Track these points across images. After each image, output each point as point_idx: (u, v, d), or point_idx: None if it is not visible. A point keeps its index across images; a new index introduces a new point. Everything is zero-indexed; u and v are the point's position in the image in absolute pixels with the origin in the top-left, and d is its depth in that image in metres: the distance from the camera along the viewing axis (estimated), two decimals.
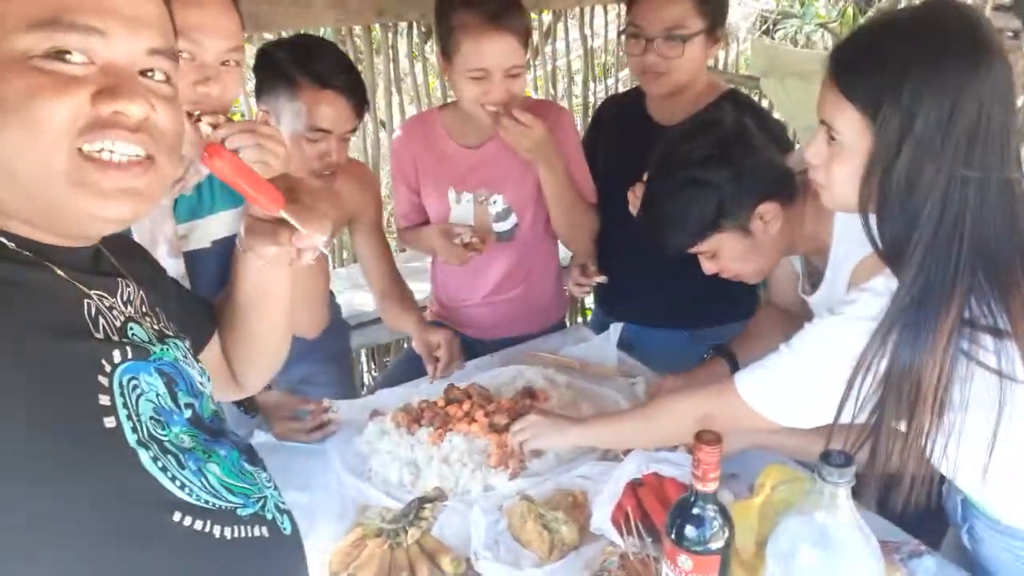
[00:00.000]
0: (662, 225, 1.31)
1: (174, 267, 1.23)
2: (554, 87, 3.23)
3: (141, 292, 0.77)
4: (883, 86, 0.91)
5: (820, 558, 0.78)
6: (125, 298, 0.73)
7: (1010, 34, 2.69)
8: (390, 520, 1.20)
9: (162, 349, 0.72)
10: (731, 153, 1.25)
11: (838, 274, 1.24)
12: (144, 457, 0.63)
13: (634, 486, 1.22)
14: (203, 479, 0.68)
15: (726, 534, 0.94)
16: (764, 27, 5.41)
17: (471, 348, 1.81)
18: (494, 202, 1.74)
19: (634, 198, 1.46)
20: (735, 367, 1.48)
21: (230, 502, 0.69)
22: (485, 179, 1.72)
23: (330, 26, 2.56)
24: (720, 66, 3.09)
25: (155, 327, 0.75)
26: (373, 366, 2.99)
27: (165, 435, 0.67)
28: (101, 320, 0.67)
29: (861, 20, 5.36)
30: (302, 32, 1.57)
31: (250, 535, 0.70)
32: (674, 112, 1.68)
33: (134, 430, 0.64)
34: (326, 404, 1.53)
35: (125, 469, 0.63)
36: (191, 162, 1.21)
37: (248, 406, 1.52)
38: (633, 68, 1.73)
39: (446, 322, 1.94)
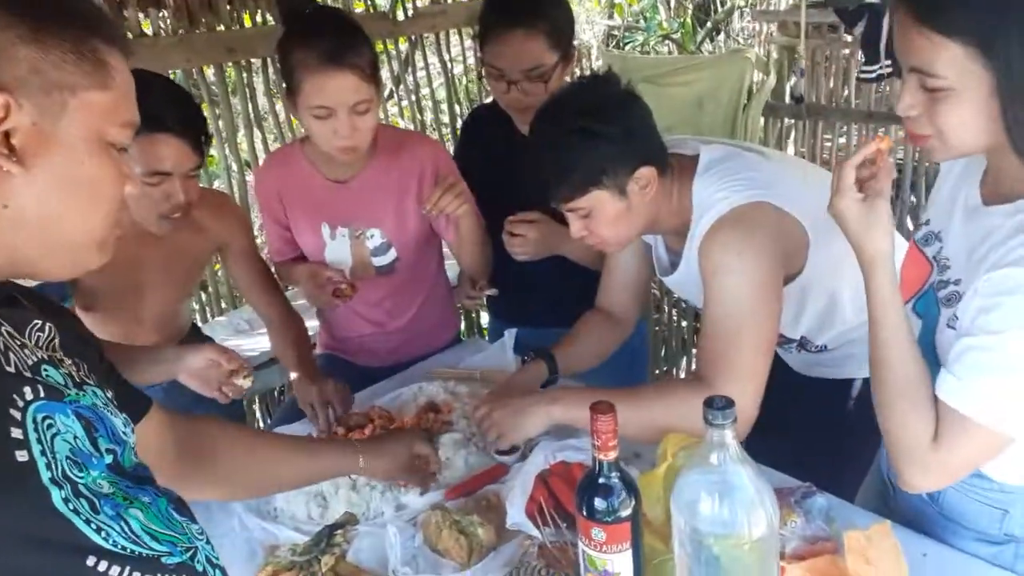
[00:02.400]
0: (546, 174, 1.27)
1: None
2: (421, 115, 3.27)
3: (57, 336, 0.74)
4: (990, 12, 0.85)
5: (719, 496, 0.83)
6: (35, 340, 0.71)
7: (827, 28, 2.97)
8: (301, 552, 1.16)
9: (78, 393, 0.69)
10: (622, 109, 1.25)
11: (693, 250, 1.31)
12: (56, 497, 0.60)
13: (544, 477, 1.24)
14: (122, 524, 0.64)
15: (633, 501, 0.97)
16: (614, 43, 5.72)
17: (368, 376, 1.78)
18: (371, 236, 1.70)
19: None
20: (554, 368, 1.53)
21: (154, 550, 0.66)
22: (359, 213, 1.67)
23: (180, 68, 2.48)
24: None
25: (73, 373, 0.72)
26: (268, 411, 2.88)
27: (82, 478, 0.63)
28: (12, 356, 0.65)
29: (700, 29, 5.78)
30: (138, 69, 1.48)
31: None
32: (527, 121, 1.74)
33: (48, 467, 0.61)
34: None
35: (37, 507, 0.60)
36: None
37: None
38: (499, 100, 1.77)
39: (337, 353, 1.91)
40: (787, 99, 2.65)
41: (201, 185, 1.61)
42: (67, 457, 0.63)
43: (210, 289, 2.75)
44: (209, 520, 1.34)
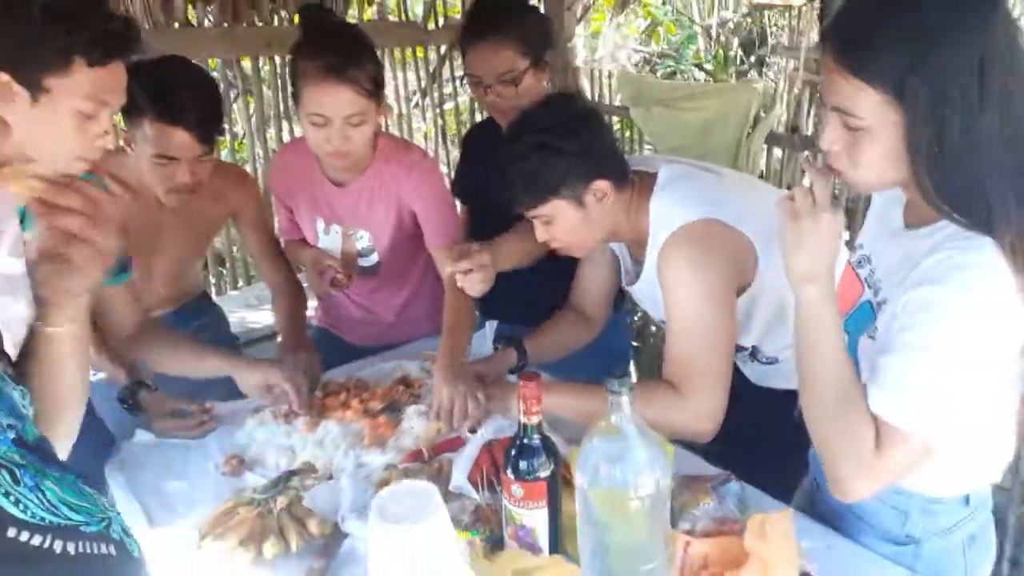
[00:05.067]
0: (511, 184, 1.39)
1: (14, 267, 1.23)
2: (444, 124, 3.41)
3: None
4: (903, 62, 0.88)
5: (613, 458, 0.93)
6: None
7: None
8: (259, 491, 1.27)
9: None
10: (580, 127, 1.36)
11: (652, 263, 1.41)
12: None
13: (490, 447, 1.34)
14: (40, 495, 0.65)
15: (552, 464, 1.07)
16: (648, 68, 5.84)
17: (356, 353, 1.91)
18: (360, 237, 1.82)
19: None
20: (523, 356, 1.65)
21: (71, 519, 0.66)
22: (351, 215, 1.80)
23: (218, 57, 2.67)
24: (596, 98, 3.36)
25: None
26: None
27: None
28: None
29: (737, 59, 5.86)
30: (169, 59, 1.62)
31: (96, 551, 0.68)
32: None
33: None
34: (208, 405, 1.60)
35: None
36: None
37: (132, 404, 1.58)
38: (481, 104, 1.94)
39: (331, 328, 2.04)
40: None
41: (222, 160, 1.75)
42: None
43: (227, 264, 2.92)
44: (188, 461, 1.48)
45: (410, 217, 1.80)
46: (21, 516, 0.62)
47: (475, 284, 1.52)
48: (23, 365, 0.88)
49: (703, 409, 1.34)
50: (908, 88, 0.88)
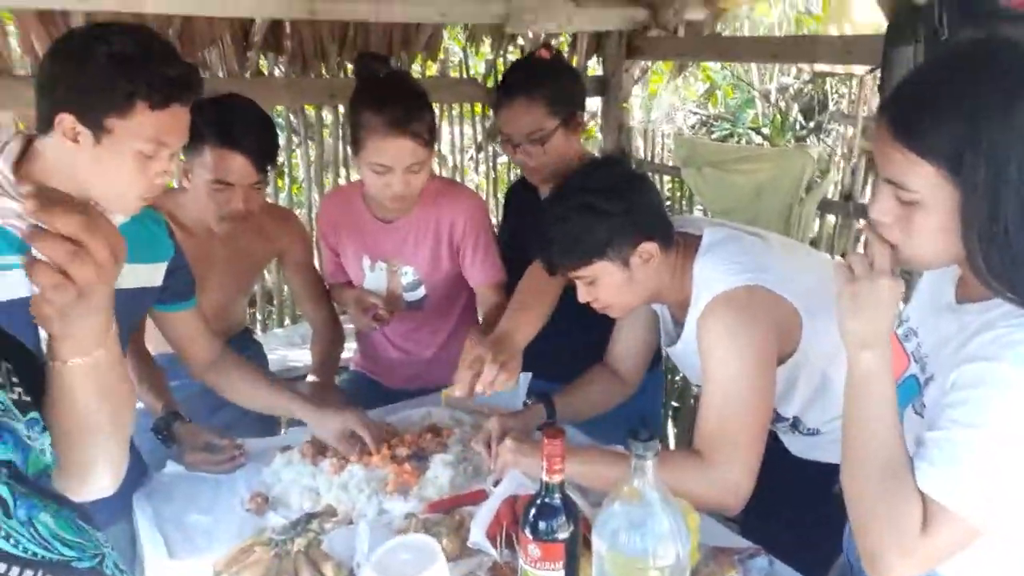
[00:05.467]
0: (553, 245, 1.39)
1: None
2: (496, 178, 3.47)
3: None
4: (960, 138, 0.87)
5: (634, 524, 0.89)
6: None
7: None
8: (279, 532, 1.27)
9: None
10: (627, 189, 1.37)
11: (693, 326, 1.38)
12: None
13: (511, 502, 1.31)
14: (32, 530, 0.63)
15: (571, 526, 1.04)
16: (704, 130, 5.86)
17: (389, 396, 1.91)
18: (405, 273, 1.87)
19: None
20: (552, 412, 1.62)
21: (63, 555, 0.65)
22: (397, 251, 1.85)
23: (285, 105, 2.78)
24: (649, 157, 3.37)
25: None
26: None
27: None
28: None
29: (796, 124, 5.83)
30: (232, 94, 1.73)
31: None
32: (548, 187, 1.82)
33: None
34: (238, 442, 1.62)
35: None
36: (104, 210, 1.31)
37: (167, 435, 1.61)
38: (513, 161, 1.97)
39: (366, 372, 2.06)
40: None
41: (270, 201, 1.82)
42: None
43: (275, 302, 2.99)
44: (215, 496, 1.49)
45: (456, 253, 1.85)
46: (11, 551, 0.61)
47: (506, 381, 1.46)
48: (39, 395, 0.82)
49: (728, 481, 1.29)
50: (965, 164, 0.87)
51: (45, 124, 1.22)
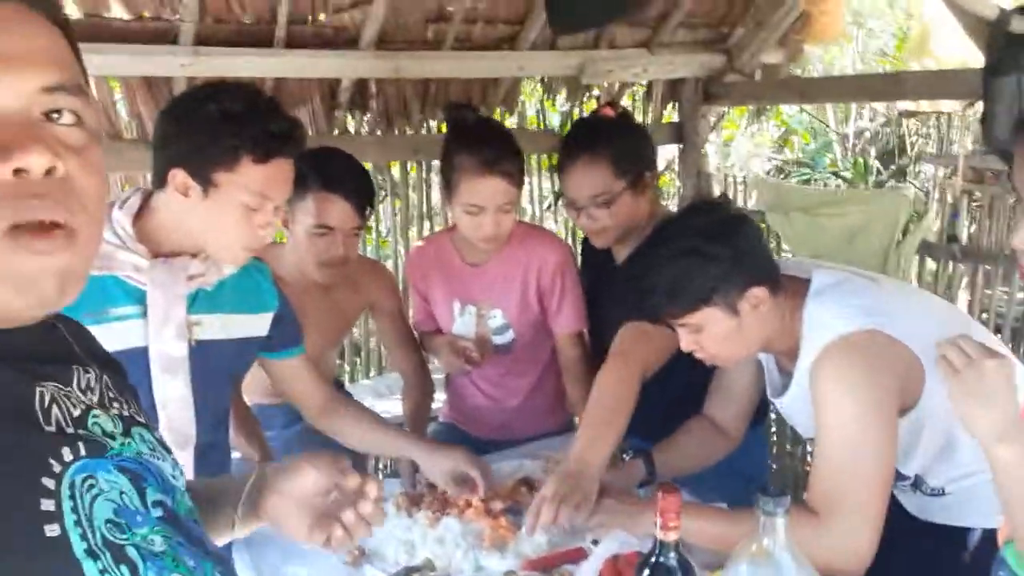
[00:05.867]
0: (656, 293, 1.32)
1: (178, 348, 1.32)
2: (573, 227, 3.47)
3: (105, 376, 0.69)
4: None
5: None
6: (84, 384, 0.65)
7: None
8: None
9: (123, 444, 0.65)
10: (732, 232, 1.31)
11: (804, 374, 1.31)
12: (91, 569, 0.55)
13: (615, 560, 1.26)
14: None
15: None
16: (782, 176, 5.75)
17: (478, 448, 1.88)
18: (493, 316, 1.88)
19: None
20: (651, 469, 1.56)
21: None
22: (486, 294, 1.87)
23: (371, 161, 2.86)
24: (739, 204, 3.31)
25: (124, 413, 0.67)
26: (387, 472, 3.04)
27: (126, 539, 0.58)
28: (55, 411, 0.60)
29: (875, 169, 5.66)
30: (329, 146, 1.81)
31: None
32: (624, 247, 1.80)
33: (83, 538, 0.56)
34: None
35: None
36: (214, 262, 1.34)
37: None
38: (577, 226, 1.88)
39: (456, 423, 2.05)
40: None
41: (362, 254, 1.86)
42: (108, 521, 0.58)
43: (362, 354, 3.03)
44: (311, 551, 1.47)
45: (542, 297, 1.86)
46: None
47: (583, 512, 1.37)
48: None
49: (847, 544, 1.19)
50: None
51: (159, 180, 1.28)
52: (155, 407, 1.31)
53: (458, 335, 1.89)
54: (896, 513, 1.36)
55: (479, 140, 1.71)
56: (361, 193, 1.71)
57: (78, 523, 0.56)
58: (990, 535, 1.24)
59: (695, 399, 1.68)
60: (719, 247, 1.28)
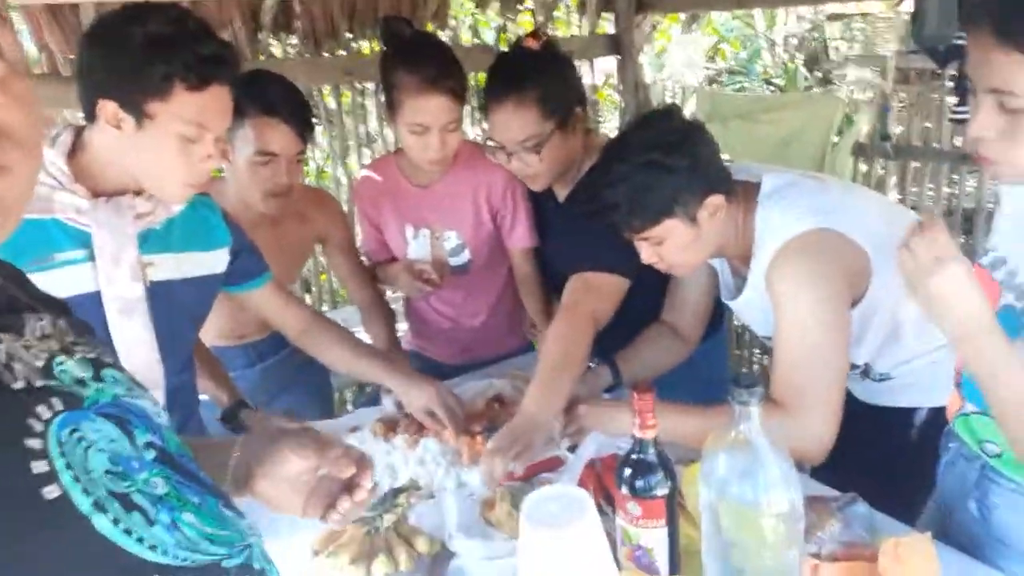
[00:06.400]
0: (618, 209, 1.32)
1: (133, 290, 1.28)
2: None
3: (60, 321, 0.64)
4: None
5: (743, 471, 0.89)
6: (39, 332, 0.61)
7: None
8: (368, 509, 1.27)
9: (98, 390, 0.62)
10: (688, 142, 1.32)
11: (759, 276, 1.36)
12: (102, 523, 0.54)
13: (594, 465, 1.32)
14: (178, 533, 0.59)
15: (669, 481, 1.03)
16: (716, 85, 5.78)
17: (442, 373, 1.91)
18: (448, 238, 1.87)
19: None
20: (617, 375, 1.61)
21: (212, 555, 0.61)
22: (439, 216, 1.85)
23: (300, 86, 2.74)
24: None
25: (89, 356, 0.64)
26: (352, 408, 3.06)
27: (129, 486, 0.57)
28: (17, 366, 0.56)
29: (809, 77, 5.74)
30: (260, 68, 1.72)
31: None
32: (563, 186, 1.75)
33: (86, 492, 0.54)
34: (307, 425, 1.62)
35: (80, 542, 0.53)
36: (160, 200, 1.28)
37: (234, 426, 1.61)
38: (510, 170, 1.72)
39: (419, 350, 2.06)
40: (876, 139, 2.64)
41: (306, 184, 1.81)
42: (107, 472, 0.56)
43: (313, 290, 2.98)
44: None
45: (493, 214, 1.85)
46: (161, 560, 0.56)
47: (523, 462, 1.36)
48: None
49: (812, 431, 1.27)
50: None
51: (88, 113, 1.20)
52: (116, 353, 1.27)
53: (414, 259, 1.88)
54: (847, 400, 1.45)
55: (419, 56, 1.65)
56: (301, 116, 1.65)
57: (76, 479, 0.54)
58: (936, 412, 1.34)
59: (653, 317, 1.73)
60: (678, 158, 1.29)
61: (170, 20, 1.18)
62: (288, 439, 0.91)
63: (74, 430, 0.56)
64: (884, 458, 1.46)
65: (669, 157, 1.30)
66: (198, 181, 1.27)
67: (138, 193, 1.27)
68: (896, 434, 1.50)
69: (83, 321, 0.69)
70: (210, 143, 1.22)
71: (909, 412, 1.49)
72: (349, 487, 0.91)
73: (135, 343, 1.29)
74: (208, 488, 0.65)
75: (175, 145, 1.19)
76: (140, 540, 0.55)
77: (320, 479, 0.91)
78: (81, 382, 0.60)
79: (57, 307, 0.68)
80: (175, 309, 1.36)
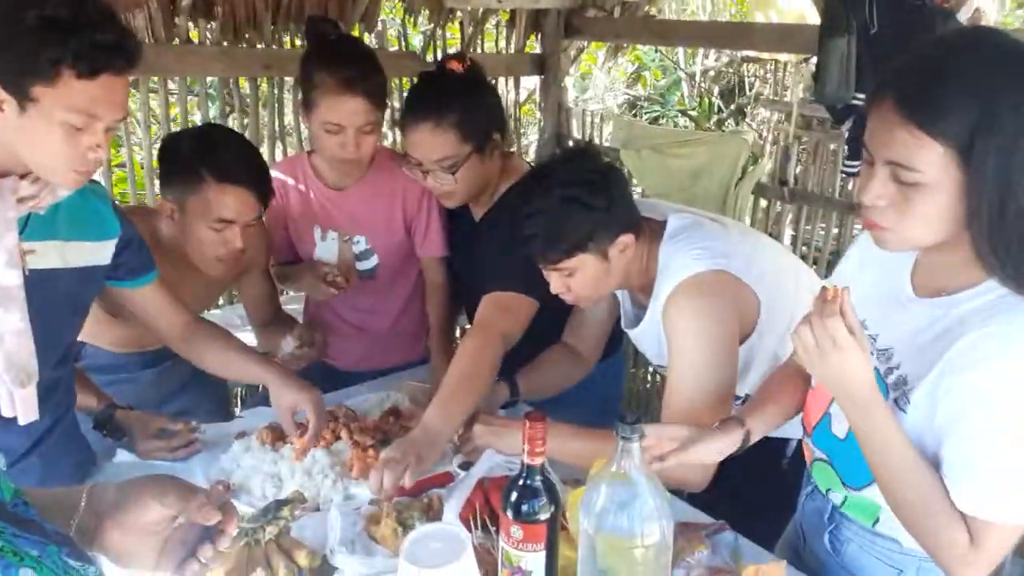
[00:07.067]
0: (535, 239, 1.37)
1: (10, 278, 1.21)
2: None
3: None
4: (974, 122, 0.87)
5: (620, 502, 0.93)
6: None
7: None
8: (248, 520, 1.24)
9: None
10: (607, 182, 1.38)
11: (657, 309, 1.43)
12: None
13: (483, 485, 1.33)
14: None
15: (552, 507, 1.06)
16: (633, 112, 5.97)
17: (342, 379, 1.89)
18: (357, 242, 1.87)
19: None
20: (515, 392, 1.66)
21: None
22: (349, 220, 1.85)
23: (217, 76, 2.66)
24: (586, 138, 3.41)
25: None
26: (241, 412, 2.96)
27: None
28: None
29: (716, 107, 6.01)
30: (207, 123, 1.68)
31: None
32: (479, 206, 1.78)
33: None
34: (193, 425, 1.57)
35: None
36: (46, 183, 1.22)
37: (110, 430, 1.54)
38: (425, 186, 1.72)
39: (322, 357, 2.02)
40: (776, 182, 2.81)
41: None
42: None
43: None
44: None
45: (407, 222, 1.86)
46: None
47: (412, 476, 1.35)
48: None
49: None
50: (976, 148, 0.88)
51: None
52: None
53: (320, 260, 1.86)
54: None
55: (340, 57, 1.66)
56: (261, 178, 1.62)
57: None
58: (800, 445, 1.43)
59: (553, 337, 1.78)
60: (597, 197, 1.35)
61: (69, 3, 1.12)
62: (147, 486, 0.83)
63: None
64: (754, 486, 1.54)
65: (589, 195, 1.35)
66: (85, 168, 1.20)
67: (23, 176, 1.20)
68: (767, 463, 1.59)
69: None
70: (100, 133, 1.16)
71: (781, 443, 1.59)
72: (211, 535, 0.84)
73: (10, 332, 1.22)
74: (48, 536, 0.61)
75: (60, 132, 1.12)
76: None
77: (175, 529, 0.83)
78: None
79: None
80: (56, 299, 1.30)
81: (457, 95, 1.61)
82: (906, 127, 0.90)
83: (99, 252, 1.37)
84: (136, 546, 0.82)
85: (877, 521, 1.15)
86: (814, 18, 2.28)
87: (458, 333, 2.37)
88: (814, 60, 2.26)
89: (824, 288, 0.97)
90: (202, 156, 1.54)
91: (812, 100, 2.87)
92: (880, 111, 0.94)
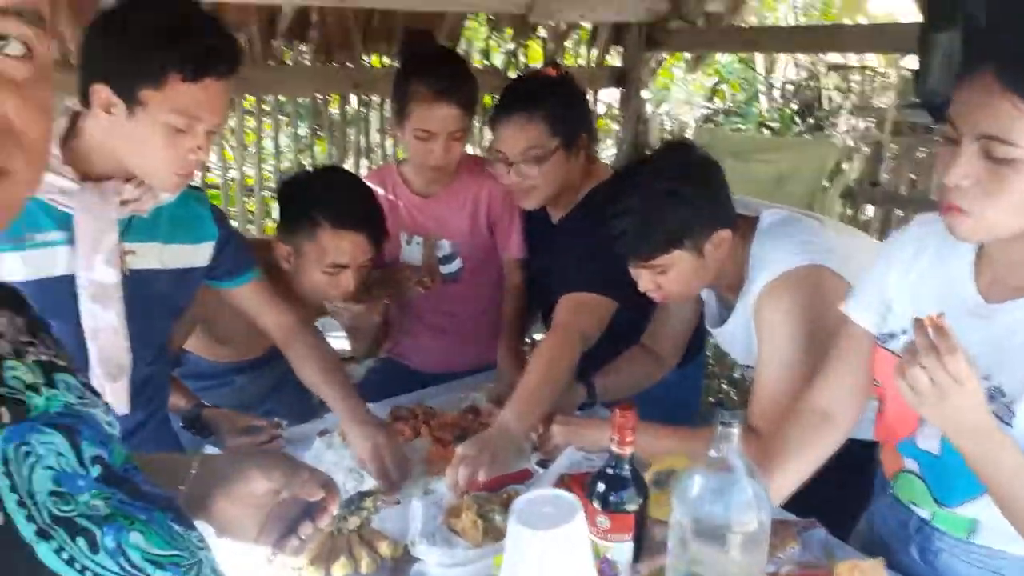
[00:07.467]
0: (626, 235, 1.32)
1: (108, 276, 1.25)
2: None
3: (19, 319, 0.61)
4: None
5: (717, 491, 0.88)
6: None
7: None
8: None
9: (49, 397, 0.58)
10: (706, 175, 1.32)
11: (747, 306, 1.37)
12: (44, 552, 0.50)
13: (564, 479, 1.30)
14: (123, 559, 0.55)
15: (640, 498, 1.03)
16: (712, 124, 5.87)
17: (421, 381, 1.90)
18: (441, 246, 1.90)
19: None
20: (592, 394, 1.61)
21: None
22: (435, 225, 1.89)
23: (310, 95, 2.77)
24: None
25: (42, 358, 0.60)
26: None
27: (72, 510, 0.53)
28: None
29: (801, 124, 5.84)
30: (324, 165, 1.73)
31: None
32: (557, 208, 1.78)
33: (30, 518, 0.50)
34: (277, 421, 1.60)
35: (20, 573, 0.50)
36: (148, 188, 1.26)
37: (198, 428, 1.59)
38: (504, 184, 1.74)
39: (396, 357, 2.05)
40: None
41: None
42: (51, 492, 0.53)
43: None
44: None
45: (490, 224, 1.88)
46: None
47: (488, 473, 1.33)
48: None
49: None
50: None
51: (83, 98, 1.20)
52: (83, 338, 1.25)
53: (404, 263, 1.91)
54: None
55: (434, 66, 1.71)
56: (375, 223, 1.65)
57: (21, 502, 0.50)
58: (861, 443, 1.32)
59: (633, 338, 1.73)
60: (695, 189, 1.29)
61: (176, 10, 1.18)
62: (255, 459, 0.85)
63: (21, 444, 0.52)
64: (833, 487, 1.45)
65: (687, 187, 1.29)
66: (186, 171, 1.25)
67: (128, 180, 1.26)
68: (846, 465, 1.50)
69: (38, 319, 0.65)
70: (200, 135, 1.21)
71: (865, 445, 1.49)
72: (312, 512, 0.85)
73: (105, 329, 1.27)
74: (157, 501, 0.61)
75: (163, 134, 1.17)
76: (84, 570, 0.52)
77: (278, 504, 0.84)
78: (33, 388, 0.57)
79: (12, 302, 0.63)
80: (151, 298, 1.34)
81: (549, 93, 1.66)
82: (1008, 97, 0.85)
83: (197, 254, 1.42)
84: (241, 518, 0.83)
85: (972, 532, 1.07)
86: (907, 18, 2.18)
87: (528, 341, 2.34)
88: (906, 60, 2.16)
89: (919, 320, 0.88)
90: (318, 201, 1.58)
91: (905, 104, 2.73)
92: (975, 83, 0.88)
